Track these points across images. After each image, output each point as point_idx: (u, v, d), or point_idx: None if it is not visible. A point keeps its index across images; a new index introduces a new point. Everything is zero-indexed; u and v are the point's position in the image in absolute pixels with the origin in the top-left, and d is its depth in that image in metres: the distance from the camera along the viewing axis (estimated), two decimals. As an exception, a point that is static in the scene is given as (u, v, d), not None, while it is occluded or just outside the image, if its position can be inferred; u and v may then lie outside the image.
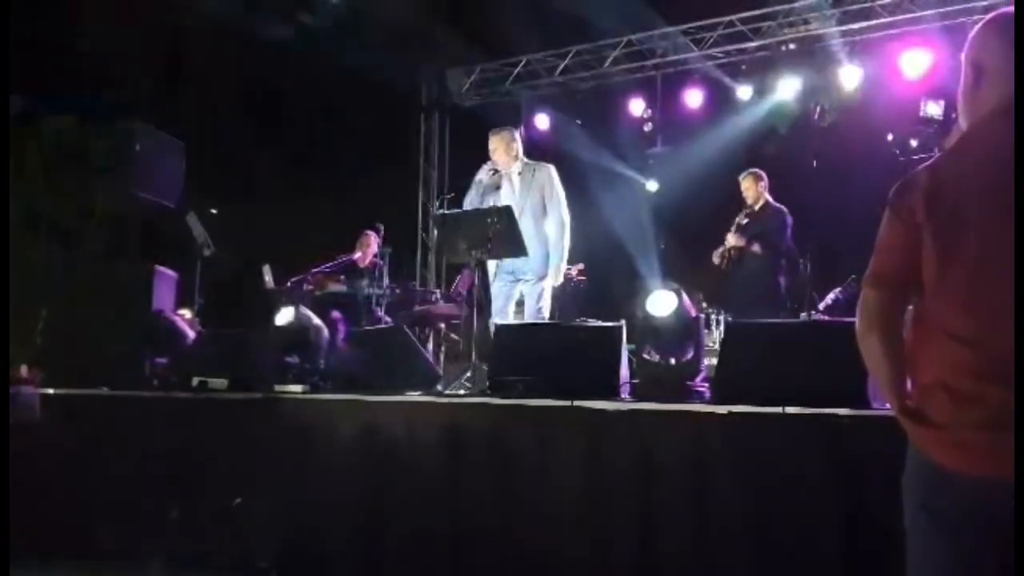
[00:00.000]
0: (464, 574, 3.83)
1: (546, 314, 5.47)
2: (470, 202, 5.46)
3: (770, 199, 6.81)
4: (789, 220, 6.68)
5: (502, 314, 5.36)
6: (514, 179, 5.45)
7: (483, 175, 5.41)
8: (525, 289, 5.41)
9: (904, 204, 1.71)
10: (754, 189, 6.81)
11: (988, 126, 1.69)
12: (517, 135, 5.60)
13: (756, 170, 6.92)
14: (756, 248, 6.63)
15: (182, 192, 6.91)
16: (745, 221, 6.78)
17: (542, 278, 5.39)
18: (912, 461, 1.70)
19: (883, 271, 1.76)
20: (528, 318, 5.33)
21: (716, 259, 6.90)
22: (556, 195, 5.39)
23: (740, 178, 6.92)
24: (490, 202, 5.29)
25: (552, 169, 5.47)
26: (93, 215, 6.56)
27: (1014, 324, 1.51)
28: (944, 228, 1.64)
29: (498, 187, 5.40)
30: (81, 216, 6.61)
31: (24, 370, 5.02)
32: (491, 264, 5.28)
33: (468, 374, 4.91)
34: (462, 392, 4.58)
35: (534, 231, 5.25)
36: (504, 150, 5.44)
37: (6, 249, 4.94)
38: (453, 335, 7.19)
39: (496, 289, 5.40)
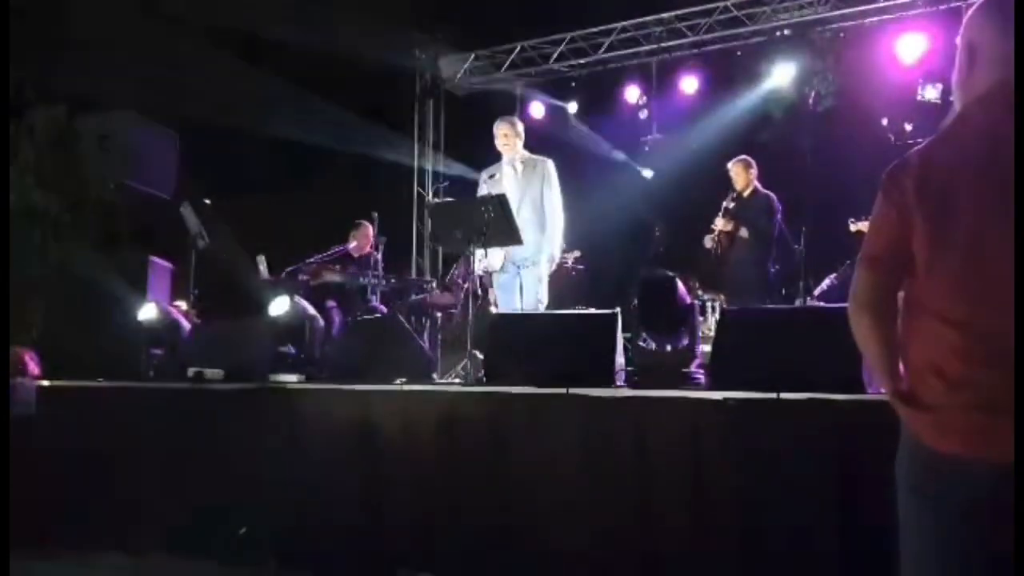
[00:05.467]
0: (461, 563, 3.84)
1: (544, 301, 5.51)
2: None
3: (758, 185, 6.82)
4: (778, 206, 6.70)
5: (509, 304, 5.40)
6: (517, 167, 5.58)
7: (486, 182, 5.54)
8: (525, 277, 5.47)
9: (895, 186, 1.70)
10: (743, 176, 6.85)
11: (981, 108, 1.68)
12: (520, 123, 5.76)
13: (745, 157, 6.95)
14: (743, 233, 6.68)
15: (176, 183, 6.89)
16: (732, 205, 6.82)
17: (538, 265, 5.46)
18: (904, 444, 1.70)
19: (875, 253, 1.75)
20: (527, 307, 5.36)
21: (708, 244, 6.92)
22: (553, 188, 5.55)
23: (729, 165, 6.96)
24: (495, 190, 5.36)
25: (551, 164, 5.62)
26: (84, 205, 6.54)
27: (1014, 309, 1.50)
28: (935, 210, 1.63)
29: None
30: (72, 206, 6.58)
31: (22, 356, 4.99)
32: (499, 254, 5.32)
33: (464, 363, 4.91)
34: (458, 381, 4.59)
35: (535, 221, 5.40)
36: (514, 135, 5.60)
37: (6, 249, 4.92)
38: (448, 324, 7.18)
39: (504, 280, 5.50)
